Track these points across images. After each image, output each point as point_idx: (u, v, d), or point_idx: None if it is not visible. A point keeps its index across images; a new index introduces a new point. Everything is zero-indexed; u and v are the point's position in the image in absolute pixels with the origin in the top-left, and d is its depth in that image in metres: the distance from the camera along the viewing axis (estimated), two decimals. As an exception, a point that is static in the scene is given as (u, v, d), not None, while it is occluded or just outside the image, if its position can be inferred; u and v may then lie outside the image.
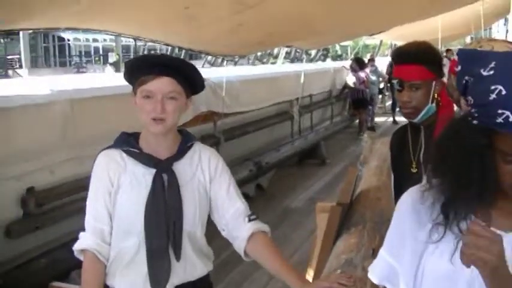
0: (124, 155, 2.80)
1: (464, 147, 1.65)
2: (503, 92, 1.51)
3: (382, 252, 1.95)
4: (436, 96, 2.98)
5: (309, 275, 4.31)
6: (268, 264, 2.89)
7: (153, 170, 2.76)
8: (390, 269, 1.89)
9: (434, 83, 2.96)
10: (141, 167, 2.78)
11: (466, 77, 1.62)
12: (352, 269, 2.94)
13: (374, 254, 3.04)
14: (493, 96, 1.53)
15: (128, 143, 2.83)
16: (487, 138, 1.60)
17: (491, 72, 1.55)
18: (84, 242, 2.76)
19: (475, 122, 1.61)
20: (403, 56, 2.99)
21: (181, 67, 2.77)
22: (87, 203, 2.83)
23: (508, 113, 1.50)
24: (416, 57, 2.92)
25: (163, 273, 2.78)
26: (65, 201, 6.04)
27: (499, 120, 1.52)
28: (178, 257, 2.79)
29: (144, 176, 2.76)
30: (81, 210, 5.28)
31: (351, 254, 3.18)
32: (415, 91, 2.93)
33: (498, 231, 1.61)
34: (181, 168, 2.83)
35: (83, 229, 2.79)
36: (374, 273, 1.97)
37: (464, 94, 1.66)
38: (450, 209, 1.70)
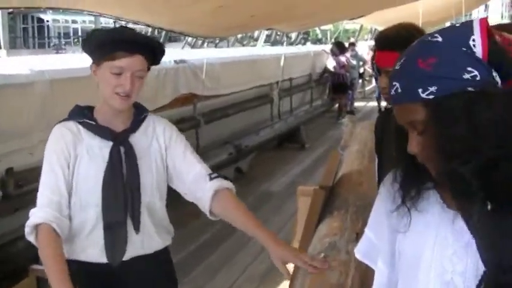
0: (80, 126, 2.81)
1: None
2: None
3: (366, 229, 1.98)
4: None
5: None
6: (235, 221, 2.87)
7: (110, 143, 2.79)
8: (371, 246, 1.93)
9: None
10: (98, 139, 2.80)
11: None
12: (335, 252, 2.92)
13: (357, 237, 3.03)
14: None
15: (84, 115, 2.84)
16: None
17: None
18: (39, 216, 2.65)
19: None
20: (380, 41, 2.94)
21: (152, 45, 2.80)
22: (42, 176, 2.78)
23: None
24: (391, 44, 2.82)
25: (120, 246, 2.81)
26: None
27: None
28: (137, 229, 2.82)
29: (101, 148, 2.79)
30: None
31: (335, 237, 3.16)
32: None
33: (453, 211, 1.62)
34: (137, 140, 2.87)
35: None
36: (359, 250, 2.01)
37: None
38: (401, 188, 1.72)
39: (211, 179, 2.89)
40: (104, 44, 2.73)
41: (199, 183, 2.90)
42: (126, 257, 2.83)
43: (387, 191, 1.83)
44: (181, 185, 2.97)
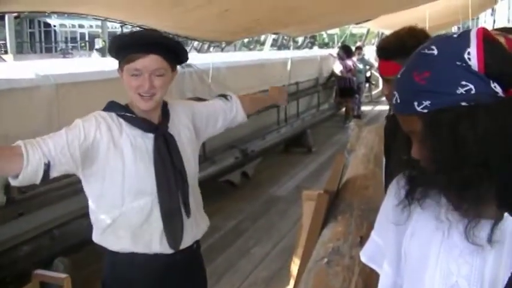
0: (121, 119, 2.85)
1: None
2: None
3: (372, 232, 1.99)
4: None
5: (295, 264, 4.29)
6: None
7: (151, 135, 2.86)
8: (377, 249, 1.94)
9: None
10: (139, 131, 2.85)
11: None
12: (339, 257, 2.92)
13: (361, 242, 3.02)
14: None
15: (122, 108, 2.89)
16: None
17: None
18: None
19: None
20: (380, 51, 2.95)
21: (166, 44, 2.84)
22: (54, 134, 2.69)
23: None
24: (389, 54, 2.82)
25: (179, 231, 2.91)
26: (49, 187, 5.96)
27: None
28: (188, 213, 2.94)
29: (143, 139, 2.85)
30: (66, 197, 5.24)
31: (338, 242, 3.16)
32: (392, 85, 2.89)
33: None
34: (172, 128, 2.97)
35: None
36: (364, 253, 2.02)
37: None
38: (408, 189, 1.72)
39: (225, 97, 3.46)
40: (120, 49, 2.81)
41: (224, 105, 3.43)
42: (183, 243, 2.94)
43: (394, 193, 1.82)
44: (221, 120, 3.42)
